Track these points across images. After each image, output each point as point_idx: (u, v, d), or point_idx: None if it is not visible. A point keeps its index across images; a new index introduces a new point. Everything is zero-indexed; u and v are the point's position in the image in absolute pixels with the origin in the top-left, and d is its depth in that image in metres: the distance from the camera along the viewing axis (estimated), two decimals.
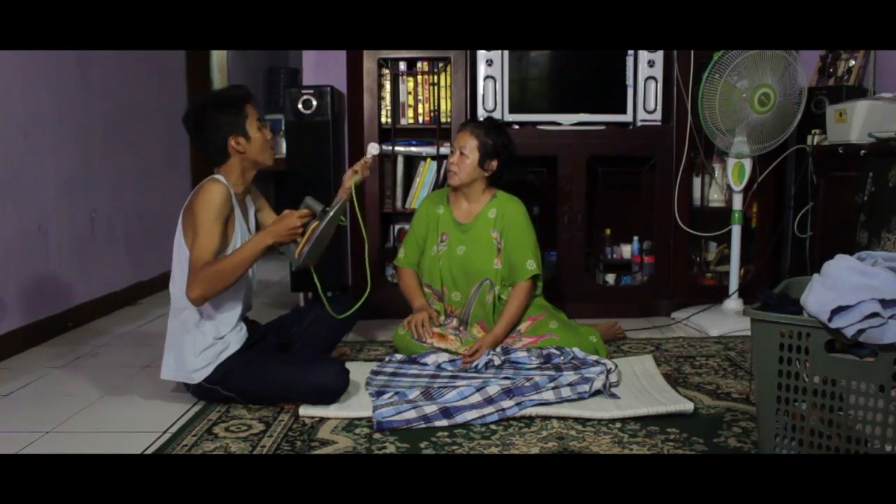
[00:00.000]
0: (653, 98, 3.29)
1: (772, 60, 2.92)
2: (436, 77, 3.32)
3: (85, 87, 3.47)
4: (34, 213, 3.05)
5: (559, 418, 2.06)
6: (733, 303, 3.23)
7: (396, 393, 2.15)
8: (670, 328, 3.19)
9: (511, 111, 3.28)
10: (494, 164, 2.67)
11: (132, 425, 2.11)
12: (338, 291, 3.28)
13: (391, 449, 1.88)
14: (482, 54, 3.24)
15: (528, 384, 2.15)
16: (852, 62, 3.24)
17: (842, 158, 2.65)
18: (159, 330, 2.65)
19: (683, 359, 2.68)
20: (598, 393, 2.20)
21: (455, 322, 2.69)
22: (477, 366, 2.42)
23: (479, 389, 2.14)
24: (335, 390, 2.15)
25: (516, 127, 3.27)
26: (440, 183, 3.31)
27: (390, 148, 3.31)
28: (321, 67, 3.64)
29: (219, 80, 5.75)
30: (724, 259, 3.46)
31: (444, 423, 2.02)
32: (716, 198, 3.47)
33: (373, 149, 2.57)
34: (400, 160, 3.35)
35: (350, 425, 2.04)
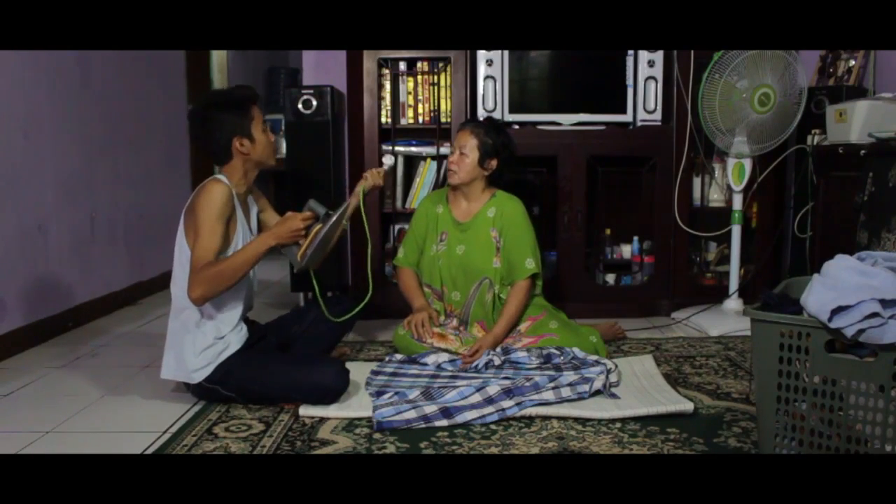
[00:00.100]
0: (653, 98, 3.29)
1: (772, 60, 2.92)
2: (436, 77, 3.32)
3: (85, 87, 3.47)
4: (34, 213, 3.05)
5: (559, 418, 2.06)
6: (733, 303, 3.23)
7: (396, 393, 2.15)
8: (670, 328, 3.19)
9: (511, 111, 3.28)
10: (494, 163, 2.67)
11: (132, 425, 2.11)
12: (338, 292, 3.28)
13: (391, 449, 1.88)
14: (482, 54, 3.24)
15: (528, 384, 2.15)
16: (852, 62, 3.24)
17: (842, 158, 2.65)
18: (159, 330, 2.66)
19: (683, 359, 2.68)
20: (598, 393, 2.20)
21: (455, 322, 2.69)
22: (477, 366, 2.42)
23: (479, 389, 2.14)
24: (335, 390, 2.15)
25: (516, 127, 3.27)
26: (440, 183, 3.31)
27: (390, 148, 3.31)
28: (321, 67, 3.64)
29: (219, 80, 5.75)
30: (724, 259, 3.46)
31: (444, 423, 2.02)
32: (716, 198, 3.48)
33: (387, 160, 2.59)
34: (400, 160, 3.35)
35: (350, 425, 2.04)
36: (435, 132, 3.32)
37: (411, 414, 2.03)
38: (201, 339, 2.16)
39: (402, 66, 3.33)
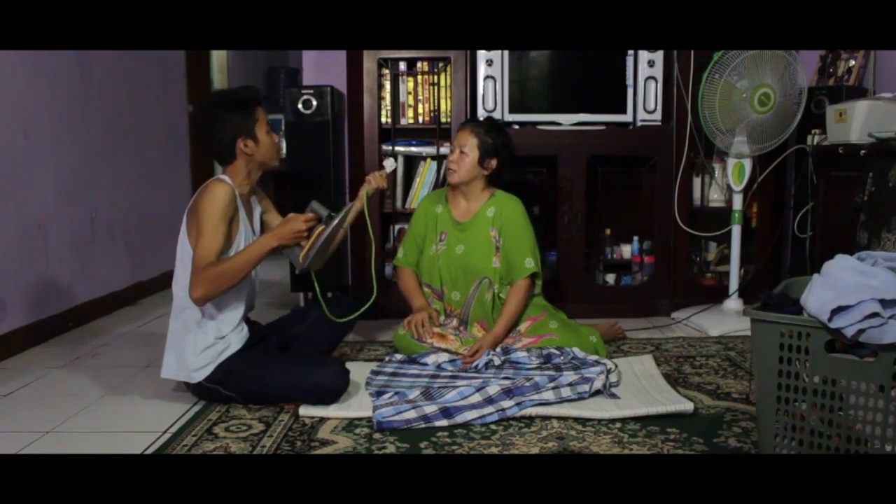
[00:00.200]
0: (653, 98, 3.29)
1: (772, 60, 2.92)
2: (436, 77, 3.32)
3: (85, 87, 3.47)
4: (34, 213, 3.05)
5: (559, 418, 2.06)
6: (733, 303, 3.23)
7: (396, 393, 2.15)
8: (670, 328, 3.19)
9: (511, 111, 3.28)
10: (494, 162, 2.67)
11: (132, 425, 2.11)
12: (338, 292, 3.28)
13: (391, 449, 1.88)
14: (482, 54, 3.24)
15: (528, 384, 2.15)
16: (852, 62, 3.24)
17: (842, 158, 2.65)
18: (159, 330, 2.66)
19: (683, 359, 2.68)
20: (598, 393, 2.20)
21: (455, 322, 2.69)
22: (477, 366, 2.42)
23: (479, 389, 2.14)
24: (335, 390, 2.15)
25: (516, 127, 3.27)
26: (440, 183, 3.31)
27: (390, 148, 3.31)
28: (321, 67, 3.64)
29: (219, 80, 5.75)
30: (724, 259, 3.46)
31: (444, 423, 2.02)
32: (716, 198, 3.48)
33: (388, 164, 2.59)
34: (400, 160, 3.35)
35: (350, 425, 2.04)
36: (435, 132, 3.32)
37: (411, 414, 2.03)
38: (202, 339, 2.16)
39: (402, 66, 3.33)
